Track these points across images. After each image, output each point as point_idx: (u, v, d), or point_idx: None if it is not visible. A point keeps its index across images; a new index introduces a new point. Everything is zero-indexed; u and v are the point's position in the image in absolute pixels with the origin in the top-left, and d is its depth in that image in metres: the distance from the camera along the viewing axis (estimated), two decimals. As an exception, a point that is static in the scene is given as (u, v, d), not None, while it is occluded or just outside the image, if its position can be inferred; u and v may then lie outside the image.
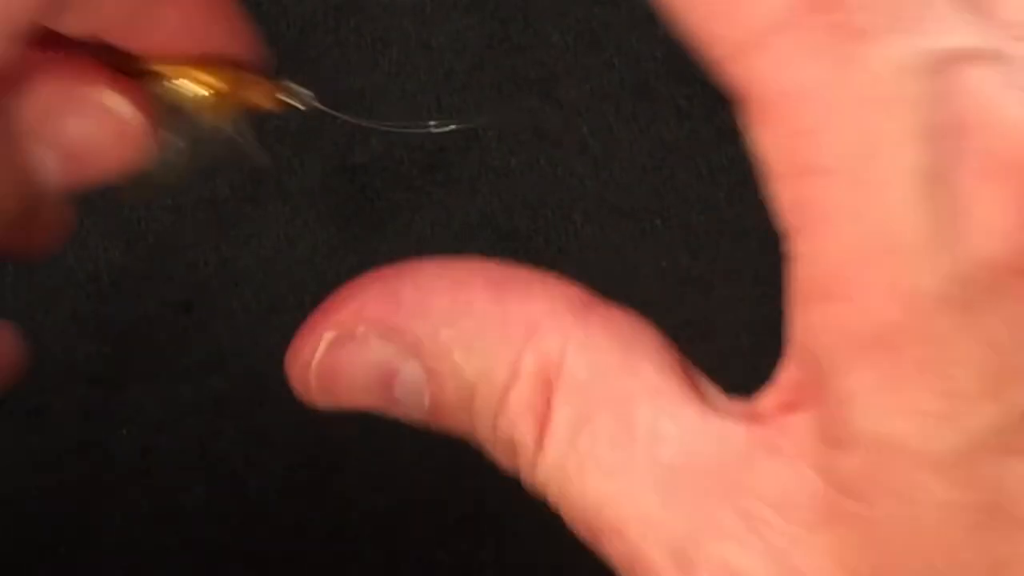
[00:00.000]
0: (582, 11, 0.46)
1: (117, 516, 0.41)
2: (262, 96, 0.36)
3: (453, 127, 0.41)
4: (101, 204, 0.47)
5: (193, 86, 0.36)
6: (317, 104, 0.37)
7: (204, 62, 0.36)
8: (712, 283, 0.44)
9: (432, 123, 0.39)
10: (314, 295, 0.40)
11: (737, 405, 0.27)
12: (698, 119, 0.45)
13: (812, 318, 0.25)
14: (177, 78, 0.36)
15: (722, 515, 0.25)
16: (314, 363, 0.31)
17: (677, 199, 0.45)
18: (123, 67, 0.36)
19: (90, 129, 0.35)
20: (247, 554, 0.43)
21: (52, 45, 0.35)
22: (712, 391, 0.27)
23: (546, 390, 0.28)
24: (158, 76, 0.36)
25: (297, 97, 0.36)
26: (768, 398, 0.26)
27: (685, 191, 0.45)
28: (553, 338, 0.28)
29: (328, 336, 0.31)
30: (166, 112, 0.36)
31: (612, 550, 0.27)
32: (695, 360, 0.46)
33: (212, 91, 0.36)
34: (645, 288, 0.44)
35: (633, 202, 0.45)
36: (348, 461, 0.44)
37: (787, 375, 0.25)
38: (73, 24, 0.33)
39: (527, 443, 0.29)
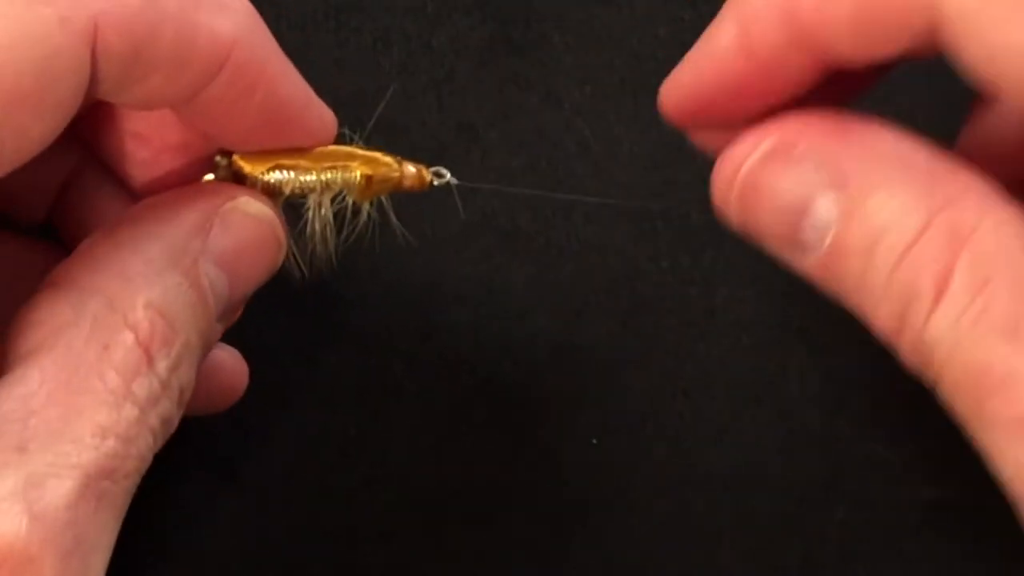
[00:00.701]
0: (583, 12, 0.46)
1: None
2: (412, 178, 0.37)
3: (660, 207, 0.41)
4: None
5: (345, 173, 0.37)
6: (455, 180, 0.38)
7: (338, 153, 0.37)
8: (712, 283, 0.44)
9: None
10: (316, 292, 0.40)
11: None
12: (699, 119, 0.45)
13: None
14: (320, 166, 0.37)
15: None
16: (744, 169, 0.31)
17: (678, 200, 0.45)
18: (259, 167, 0.37)
19: (242, 237, 0.35)
20: (247, 554, 0.43)
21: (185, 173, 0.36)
22: None
23: (954, 249, 0.28)
24: (303, 167, 0.37)
25: (440, 176, 0.38)
26: None
27: (686, 192, 0.45)
28: (973, 209, 0.29)
29: (767, 144, 0.30)
30: (318, 194, 0.37)
31: (997, 412, 0.28)
32: (696, 360, 0.46)
33: (364, 176, 0.37)
34: (645, 288, 0.44)
35: (634, 202, 0.45)
36: (348, 461, 0.44)
37: None
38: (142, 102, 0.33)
39: (926, 292, 0.28)
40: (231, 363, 0.40)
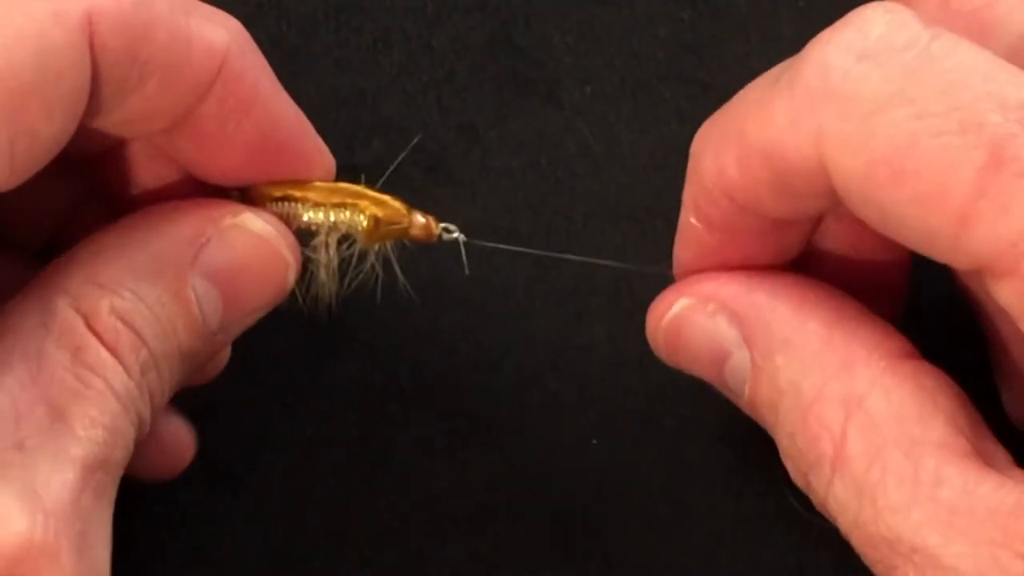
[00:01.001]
0: (583, 12, 0.46)
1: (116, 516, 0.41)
2: (420, 228, 0.37)
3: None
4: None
5: (353, 212, 0.37)
6: (463, 237, 0.38)
7: (348, 190, 0.37)
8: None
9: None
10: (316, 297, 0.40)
11: (1019, 471, 0.30)
12: (699, 120, 0.45)
13: None
14: (329, 202, 0.37)
15: (1002, 557, 0.28)
16: (665, 320, 0.36)
17: (678, 201, 0.45)
18: (269, 197, 0.37)
19: (241, 255, 0.36)
20: (247, 554, 0.43)
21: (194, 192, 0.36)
22: (999, 453, 0.30)
23: (844, 419, 0.31)
24: (309, 202, 0.37)
25: (448, 231, 0.38)
26: None
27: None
28: (863, 378, 0.32)
29: (684, 302, 0.35)
30: (324, 232, 0.37)
31: None
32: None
33: (372, 216, 0.37)
34: (645, 289, 0.44)
35: (634, 204, 0.45)
36: (349, 463, 0.44)
37: None
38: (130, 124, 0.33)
39: (824, 459, 0.32)
40: (177, 435, 0.41)
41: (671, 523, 0.43)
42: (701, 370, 0.36)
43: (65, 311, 0.32)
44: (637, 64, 0.46)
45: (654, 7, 0.46)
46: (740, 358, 0.34)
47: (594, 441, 0.44)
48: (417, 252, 0.40)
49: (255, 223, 0.36)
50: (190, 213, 0.35)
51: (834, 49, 0.30)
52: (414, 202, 0.39)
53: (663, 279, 0.44)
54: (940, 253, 0.29)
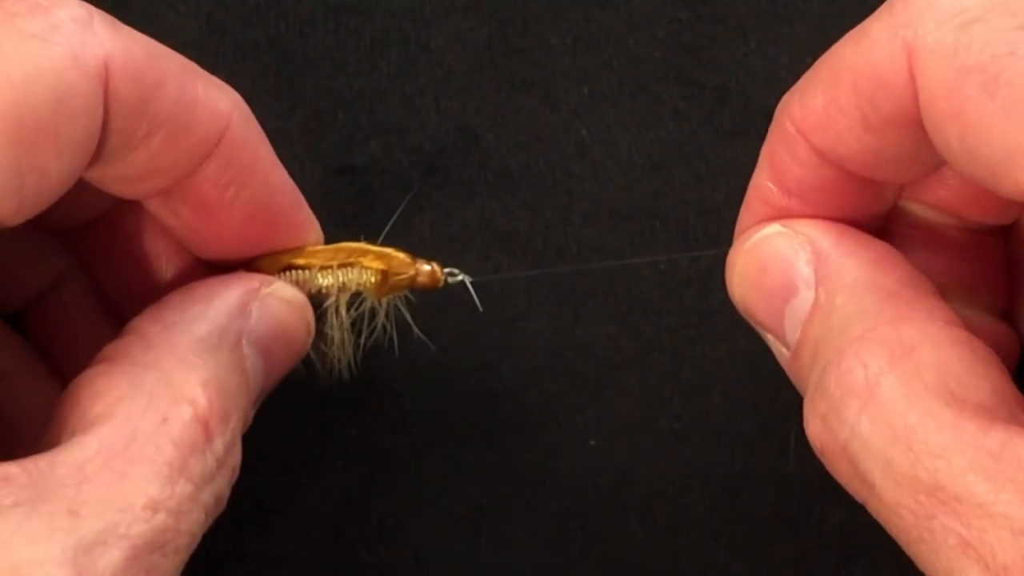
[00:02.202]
0: (581, 13, 0.46)
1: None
2: (426, 275, 0.38)
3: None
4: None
5: (359, 270, 0.37)
6: (469, 278, 0.38)
7: (349, 249, 0.37)
8: (710, 285, 0.44)
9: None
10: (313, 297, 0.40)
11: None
12: (698, 120, 0.45)
13: None
14: (337, 265, 0.37)
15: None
16: (751, 242, 0.35)
17: (676, 201, 0.45)
18: (286, 264, 0.37)
19: (279, 322, 0.36)
20: (246, 555, 0.43)
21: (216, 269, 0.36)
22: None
23: (887, 361, 0.30)
24: (315, 267, 0.37)
25: (453, 275, 0.38)
26: None
27: (684, 193, 0.45)
28: (916, 330, 0.31)
29: (775, 228, 0.35)
30: (335, 295, 0.37)
31: (948, 531, 0.28)
32: (694, 362, 0.46)
33: (378, 271, 0.37)
34: (644, 290, 0.44)
35: (632, 204, 0.45)
36: (348, 462, 0.44)
37: None
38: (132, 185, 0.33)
39: (849, 399, 0.30)
40: None
41: (670, 523, 0.43)
42: (765, 303, 0.34)
43: (154, 381, 0.32)
44: (635, 65, 0.46)
45: (652, 8, 0.46)
46: (805, 298, 0.33)
47: (592, 442, 0.44)
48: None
49: (287, 291, 0.36)
50: (230, 285, 0.35)
51: None
52: (414, 202, 0.39)
53: (661, 280, 0.44)
54: (1016, 179, 0.28)
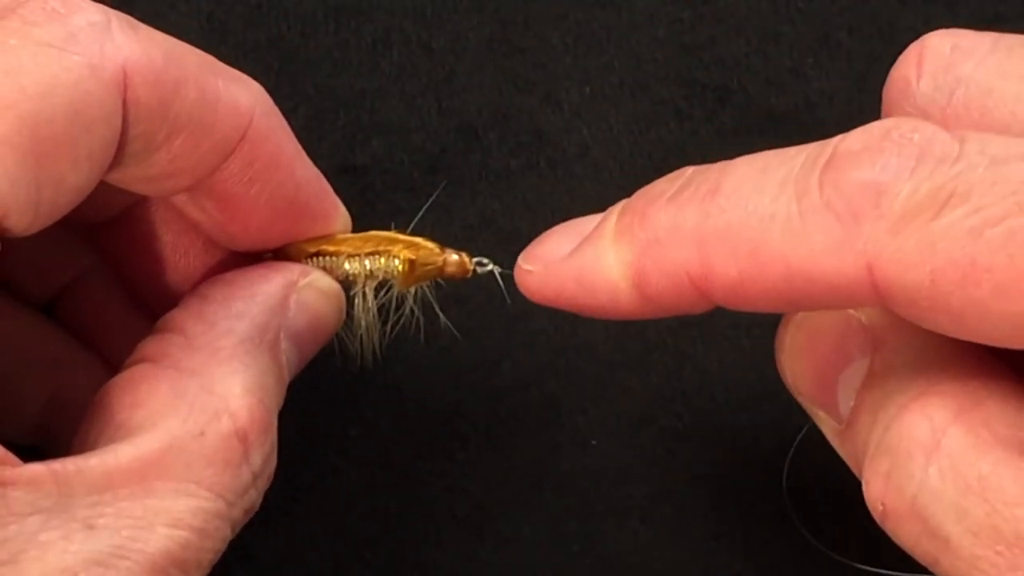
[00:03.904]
0: (582, 13, 0.46)
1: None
2: (454, 265, 0.38)
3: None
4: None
5: (387, 259, 0.37)
6: (499, 269, 0.38)
7: (379, 237, 0.38)
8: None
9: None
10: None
11: None
12: (698, 120, 0.45)
13: None
14: (362, 252, 0.37)
15: None
16: (800, 315, 0.33)
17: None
18: (313, 252, 0.37)
19: (317, 314, 0.36)
20: (245, 555, 0.43)
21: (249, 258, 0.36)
22: None
23: (953, 414, 0.29)
24: (344, 255, 0.37)
25: (482, 265, 0.38)
26: None
27: (685, 193, 0.45)
28: (981, 386, 0.30)
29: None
30: (362, 282, 0.37)
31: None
32: (696, 362, 0.46)
33: (407, 260, 0.37)
34: (645, 289, 0.44)
35: (633, 204, 0.45)
36: (348, 462, 0.44)
37: None
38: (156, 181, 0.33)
39: (915, 453, 0.29)
40: None
41: (670, 523, 0.43)
42: (818, 375, 0.33)
43: (196, 390, 0.32)
44: (636, 65, 0.46)
45: (653, 8, 0.46)
46: (859, 366, 0.32)
47: (593, 442, 0.44)
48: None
49: (324, 281, 0.36)
50: (272, 279, 0.35)
51: (869, 169, 0.28)
52: (413, 203, 0.39)
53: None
54: None
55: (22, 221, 0.29)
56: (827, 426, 0.33)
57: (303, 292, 0.35)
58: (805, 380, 0.33)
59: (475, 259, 0.39)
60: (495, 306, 0.44)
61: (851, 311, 0.32)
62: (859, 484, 0.31)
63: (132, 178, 0.33)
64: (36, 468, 0.29)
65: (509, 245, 0.44)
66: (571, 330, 0.44)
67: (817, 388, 0.33)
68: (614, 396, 0.44)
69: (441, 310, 0.43)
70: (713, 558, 0.43)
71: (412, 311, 0.38)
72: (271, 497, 0.43)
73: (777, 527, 0.43)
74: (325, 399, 0.44)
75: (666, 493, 0.43)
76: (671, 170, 0.44)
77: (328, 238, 0.37)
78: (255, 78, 0.35)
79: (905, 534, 0.30)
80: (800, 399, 0.34)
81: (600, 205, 0.45)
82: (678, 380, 0.44)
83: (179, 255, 0.38)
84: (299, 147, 0.36)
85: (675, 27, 0.46)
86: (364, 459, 0.43)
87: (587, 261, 0.33)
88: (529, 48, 0.46)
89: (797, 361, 0.34)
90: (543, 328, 0.44)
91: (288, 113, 0.43)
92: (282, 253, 0.37)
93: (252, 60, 0.45)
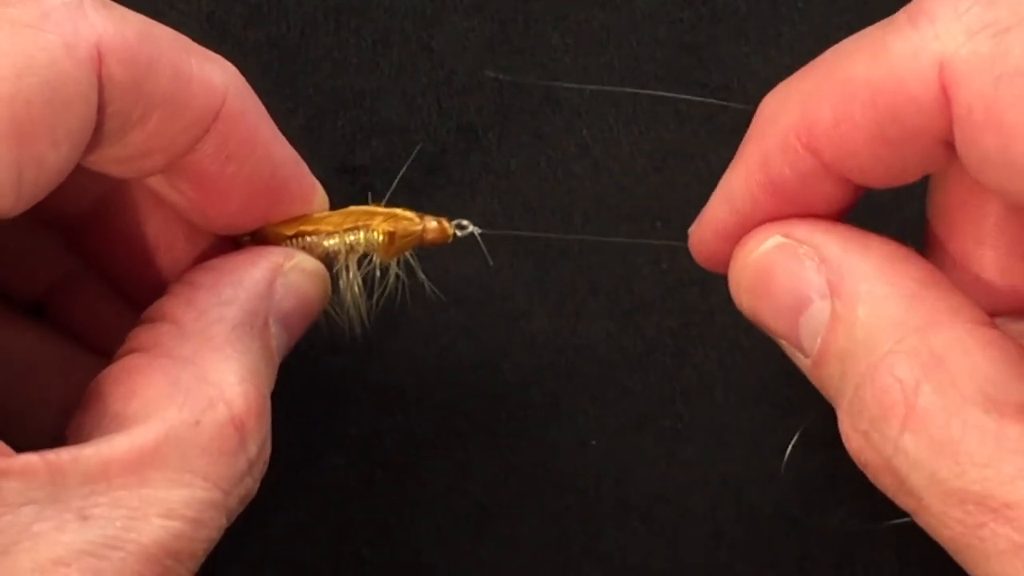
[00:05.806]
0: (582, 13, 0.46)
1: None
2: (434, 232, 0.38)
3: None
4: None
5: (367, 232, 0.37)
6: (479, 230, 0.38)
7: (358, 212, 0.38)
8: (711, 285, 0.44)
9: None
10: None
11: None
12: (698, 121, 0.45)
13: None
14: (341, 228, 0.37)
15: None
16: (754, 255, 0.34)
17: (677, 201, 0.45)
18: (295, 232, 0.37)
19: (303, 295, 0.36)
20: (245, 554, 0.43)
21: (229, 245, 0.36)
22: None
23: (920, 374, 0.30)
24: (323, 233, 0.37)
25: (462, 227, 0.38)
26: None
27: (685, 193, 0.45)
28: (944, 337, 0.30)
29: (777, 240, 0.34)
30: (344, 257, 0.37)
31: (999, 538, 0.29)
32: (696, 362, 0.46)
33: (386, 232, 0.37)
34: (645, 289, 0.44)
35: (633, 204, 0.45)
36: (348, 462, 0.44)
37: None
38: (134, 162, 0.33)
39: (890, 417, 0.30)
40: None
41: (670, 523, 0.43)
42: (776, 316, 0.34)
43: (190, 379, 0.31)
44: (636, 65, 0.46)
45: (653, 8, 0.46)
46: (819, 308, 0.32)
47: (593, 442, 0.44)
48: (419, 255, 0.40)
49: (308, 263, 0.36)
50: (258, 263, 0.35)
51: None
52: (414, 204, 0.39)
53: (663, 279, 0.44)
54: None
55: (5, 204, 0.29)
56: (792, 356, 0.34)
57: (289, 275, 0.35)
58: (766, 318, 0.34)
59: (455, 221, 0.39)
60: (495, 306, 0.44)
61: (803, 250, 0.33)
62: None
63: (108, 159, 0.33)
64: (30, 458, 0.29)
65: (509, 245, 0.45)
66: (571, 330, 0.44)
67: (780, 326, 0.34)
68: (614, 396, 0.44)
69: (440, 310, 0.43)
70: (713, 558, 0.43)
71: (397, 276, 0.38)
72: (271, 496, 0.43)
73: (777, 527, 0.43)
74: (325, 399, 0.44)
75: (665, 493, 0.43)
76: (671, 171, 0.45)
77: (307, 217, 0.37)
78: (255, 78, 0.35)
79: (884, 487, 0.31)
80: (763, 330, 0.35)
81: (600, 205, 0.45)
82: (678, 380, 0.44)
83: (163, 248, 0.38)
84: (275, 128, 0.36)
85: (675, 27, 0.46)
86: (365, 458, 0.43)
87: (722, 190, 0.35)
88: (529, 48, 0.46)
89: (756, 301, 0.34)
90: (543, 328, 0.44)
91: (288, 113, 0.44)
92: (261, 234, 0.37)
93: (252, 60, 0.45)
